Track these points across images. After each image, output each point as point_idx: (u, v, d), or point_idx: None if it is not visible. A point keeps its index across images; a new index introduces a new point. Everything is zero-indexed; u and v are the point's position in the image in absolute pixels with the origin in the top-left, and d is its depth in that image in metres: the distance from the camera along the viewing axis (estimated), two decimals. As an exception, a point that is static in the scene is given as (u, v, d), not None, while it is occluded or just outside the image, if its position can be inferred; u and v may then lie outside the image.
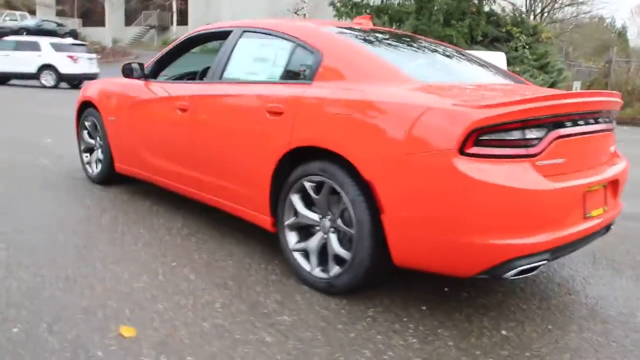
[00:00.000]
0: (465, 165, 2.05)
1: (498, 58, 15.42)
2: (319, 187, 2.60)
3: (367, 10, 18.70)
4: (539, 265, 2.21)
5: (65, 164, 5.34)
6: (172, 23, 36.17)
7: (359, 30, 3.11)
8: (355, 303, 2.54)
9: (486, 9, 19.14)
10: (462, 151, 2.06)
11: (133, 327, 2.23)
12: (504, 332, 2.34)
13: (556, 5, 23.61)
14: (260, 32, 3.17)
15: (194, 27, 35.66)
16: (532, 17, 21.52)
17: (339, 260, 2.55)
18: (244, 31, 3.26)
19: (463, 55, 3.35)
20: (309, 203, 2.69)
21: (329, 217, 2.59)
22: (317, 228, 2.66)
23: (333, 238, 2.58)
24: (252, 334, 2.22)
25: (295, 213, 2.75)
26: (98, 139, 4.51)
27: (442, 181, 2.10)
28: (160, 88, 3.72)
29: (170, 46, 3.87)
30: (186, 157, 3.41)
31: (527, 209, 2.09)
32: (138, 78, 3.88)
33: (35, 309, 2.33)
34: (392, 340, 2.22)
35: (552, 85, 17.85)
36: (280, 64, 2.94)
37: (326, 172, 2.51)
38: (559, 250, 2.27)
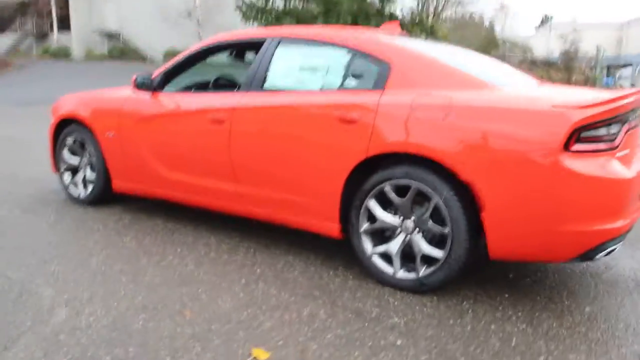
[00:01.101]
0: (569, 161, 2.27)
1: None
2: (401, 190, 2.67)
3: (273, 15, 18.80)
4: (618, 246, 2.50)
5: (39, 186, 4.83)
6: (51, 30, 33.37)
7: (404, 37, 3.21)
8: (445, 299, 2.66)
9: (387, 10, 20.11)
10: (566, 148, 2.27)
11: (260, 348, 2.16)
12: (587, 309, 2.60)
13: (446, 5, 25.51)
14: (303, 41, 3.16)
15: (78, 34, 33.56)
16: (426, 17, 22.95)
17: (428, 259, 2.65)
18: (281, 40, 3.23)
19: (488, 58, 3.58)
20: (385, 207, 2.76)
21: (412, 219, 2.69)
22: (398, 231, 2.74)
23: (419, 239, 2.68)
24: (382, 339, 2.26)
25: (370, 218, 2.80)
26: (86, 157, 4.16)
27: (547, 177, 2.30)
28: (179, 100, 3.54)
29: (182, 56, 3.69)
30: (222, 170, 3.30)
31: (616, 196, 2.36)
32: (151, 90, 3.66)
33: (144, 341, 2.17)
34: (506, 327, 2.38)
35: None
36: (337, 73, 2.96)
37: (412, 176, 2.60)
38: (628, 232, 2.57)
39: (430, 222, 2.62)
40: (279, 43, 3.22)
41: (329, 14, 18.13)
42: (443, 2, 21.54)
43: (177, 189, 3.60)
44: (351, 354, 2.14)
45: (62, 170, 4.34)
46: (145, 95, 3.72)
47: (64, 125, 4.28)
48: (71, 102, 4.20)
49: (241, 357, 2.10)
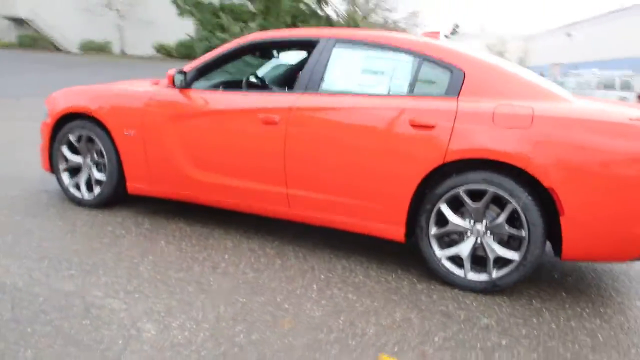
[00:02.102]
0: (646, 169, 2.48)
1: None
2: (474, 195, 2.77)
3: (209, 10, 18.33)
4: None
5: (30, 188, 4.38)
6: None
7: (462, 45, 3.27)
8: (514, 299, 2.79)
9: (321, 12, 20.34)
10: (644, 158, 2.48)
11: (387, 354, 2.16)
12: (638, 304, 2.85)
13: (375, 10, 26.18)
14: (363, 44, 3.15)
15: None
16: (358, 20, 23.51)
17: (500, 261, 2.77)
18: (337, 41, 3.20)
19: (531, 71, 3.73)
20: (454, 211, 2.84)
21: (484, 222, 2.79)
22: (469, 234, 2.83)
23: (491, 241, 2.78)
24: (486, 340, 2.33)
25: (439, 222, 2.86)
26: (90, 156, 3.86)
27: (626, 183, 2.49)
28: (220, 99, 3.38)
29: (216, 53, 3.52)
30: (271, 173, 3.20)
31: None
32: (184, 87, 3.47)
33: (261, 356, 2.08)
34: (585, 324, 2.55)
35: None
36: (404, 78, 2.99)
37: (491, 182, 2.70)
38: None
39: (506, 227, 2.73)
40: (334, 44, 3.19)
41: (269, 12, 18.04)
42: (370, 8, 22.19)
43: (212, 191, 3.45)
44: (468, 356, 2.19)
45: (60, 169, 3.98)
46: (175, 92, 3.52)
47: (64, 121, 3.93)
48: (78, 96, 3.87)
49: (371, 364, 2.08)
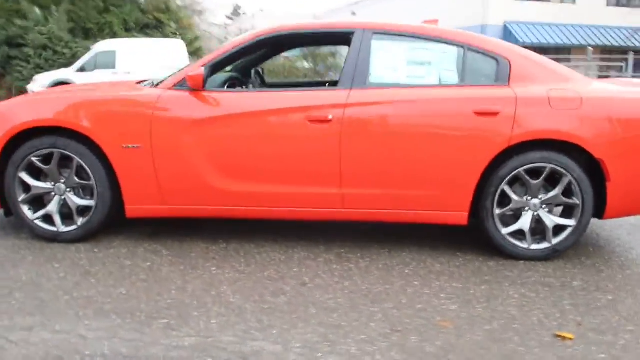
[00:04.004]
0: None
1: (178, 46, 15.74)
2: (534, 173, 3.03)
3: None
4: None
5: None
6: None
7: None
8: (568, 261, 3.15)
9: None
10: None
11: (561, 332, 2.29)
12: (640, 246, 3.47)
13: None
14: (403, 35, 3.12)
15: None
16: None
17: (555, 229, 3.10)
18: (375, 32, 3.11)
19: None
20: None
21: (540, 197, 3.08)
22: (526, 209, 3.10)
23: (545, 214, 3.09)
24: (596, 300, 2.63)
25: (502, 202, 3.07)
26: (68, 179, 3.12)
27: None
28: (249, 99, 3.03)
29: (231, 48, 3.10)
30: (324, 174, 3.02)
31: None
32: (199, 89, 3.01)
33: None
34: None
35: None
36: (452, 68, 3.08)
37: (548, 159, 2.99)
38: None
39: (562, 197, 3.06)
40: (372, 36, 3.11)
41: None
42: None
43: (247, 202, 3.11)
44: (613, 318, 2.43)
45: (18, 202, 3.13)
46: (186, 95, 3.04)
47: (17, 141, 3.09)
48: (44, 106, 3.06)
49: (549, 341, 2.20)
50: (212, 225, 3.54)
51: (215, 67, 3.14)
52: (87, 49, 15.16)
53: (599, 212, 3.14)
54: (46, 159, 3.10)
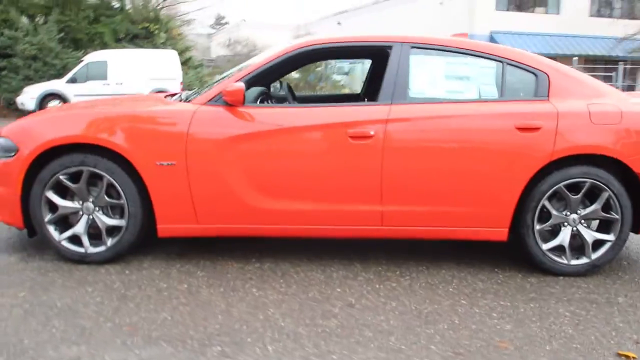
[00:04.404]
0: None
1: (170, 56, 15.62)
2: (573, 188, 3.01)
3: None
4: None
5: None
6: None
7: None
8: (624, 281, 3.11)
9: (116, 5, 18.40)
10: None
11: (622, 351, 2.26)
12: (672, 259, 3.47)
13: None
14: (440, 49, 3.09)
15: None
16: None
17: (594, 243, 3.07)
18: (412, 46, 3.07)
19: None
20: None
21: (579, 212, 3.05)
22: (565, 224, 3.07)
23: (584, 228, 3.06)
24: (651, 315, 2.61)
25: (541, 218, 3.04)
26: (97, 198, 3.01)
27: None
28: (288, 115, 2.96)
29: (265, 62, 3.03)
30: (364, 190, 2.97)
31: None
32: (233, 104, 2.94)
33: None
34: (675, 284, 3.03)
35: (201, 79, 19.02)
36: (492, 83, 3.05)
37: (589, 174, 2.96)
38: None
39: (601, 212, 3.04)
40: (410, 50, 3.07)
41: (66, 6, 15.67)
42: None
43: (285, 220, 3.03)
44: (658, 332, 2.42)
45: (45, 222, 3.01)
46: (221, 110, 2.96)
47: (43, 159, 2.98)
48: (71, 123, 2.96)
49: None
50: (241, 243, 3.45)
51: (250, 83, 3.06)
52: (78, 60, 14.94)
53: (636, 226, 3.13)
54: (74, 177, 2.99)
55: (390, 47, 3.09)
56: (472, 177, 2.97)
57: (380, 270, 3.11)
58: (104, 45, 16.13)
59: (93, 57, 14.37)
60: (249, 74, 3.05)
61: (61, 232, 3.05)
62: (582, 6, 26.67)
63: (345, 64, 20.43)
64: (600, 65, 22.09)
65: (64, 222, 3.09)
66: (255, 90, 3.30)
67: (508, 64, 3.08)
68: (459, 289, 2.87)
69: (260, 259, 3.25)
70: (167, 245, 3.37)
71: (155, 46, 18.39)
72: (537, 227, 3.04)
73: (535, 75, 3.06)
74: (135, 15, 18.78)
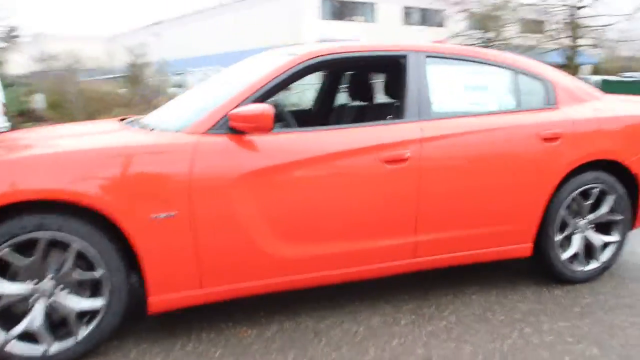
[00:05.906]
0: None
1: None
2: (584, 194, 3.00)
3: None
4: None
5: None
6: None
7: None
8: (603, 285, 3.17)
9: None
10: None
11: None
12: None
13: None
14: (454, 59, 2.83)
15: None
16: None
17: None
18: (427, 56, 2.76)
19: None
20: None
21: (588, 218, 3.06)
22: (577, 231, 3.06)
23: (592, 233, 3.08)
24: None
25: (560, 228, 2.97)
26: (59, 274, 2.14)
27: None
28: (303, 141, 2.43)
29: (273, 76, 2.43)
30: (398, 221, 2.59)
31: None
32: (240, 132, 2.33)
33: None
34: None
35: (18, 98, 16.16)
36: (508, 92, 2.91)
37: (599, 179, 2.98)
38: None
39: (607, 216, 3.07)
40: (425, 59, 2.76)
41: None
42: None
43: (309, 268, 2.50)
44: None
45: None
46: (225, 139, 2.32)
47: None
48: (23, 170, 2.04)
49: None
50: (228, 303, 2.72)
51: (259, 101, 2.46)
52: None
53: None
54: (23, 248, 2.09)
55: (404, 57, 2.75)
56: (503, 193, 2.79)
57: (412, 307, 2.75)
58: None
59: None
60: (257, 90, 2.44)
61: (7, 328, 2.11)
62: (394, 15, 30.22)
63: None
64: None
65: (9, 314, 2.14)
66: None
67: (519, 72, 2.96)
68: (509, 316, 2.65)
69: (269, 317, 2.64)
70: (138, 321, 2.55)
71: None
72: (557, 237, 2.98)
73: (543, 82, 3.00)
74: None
